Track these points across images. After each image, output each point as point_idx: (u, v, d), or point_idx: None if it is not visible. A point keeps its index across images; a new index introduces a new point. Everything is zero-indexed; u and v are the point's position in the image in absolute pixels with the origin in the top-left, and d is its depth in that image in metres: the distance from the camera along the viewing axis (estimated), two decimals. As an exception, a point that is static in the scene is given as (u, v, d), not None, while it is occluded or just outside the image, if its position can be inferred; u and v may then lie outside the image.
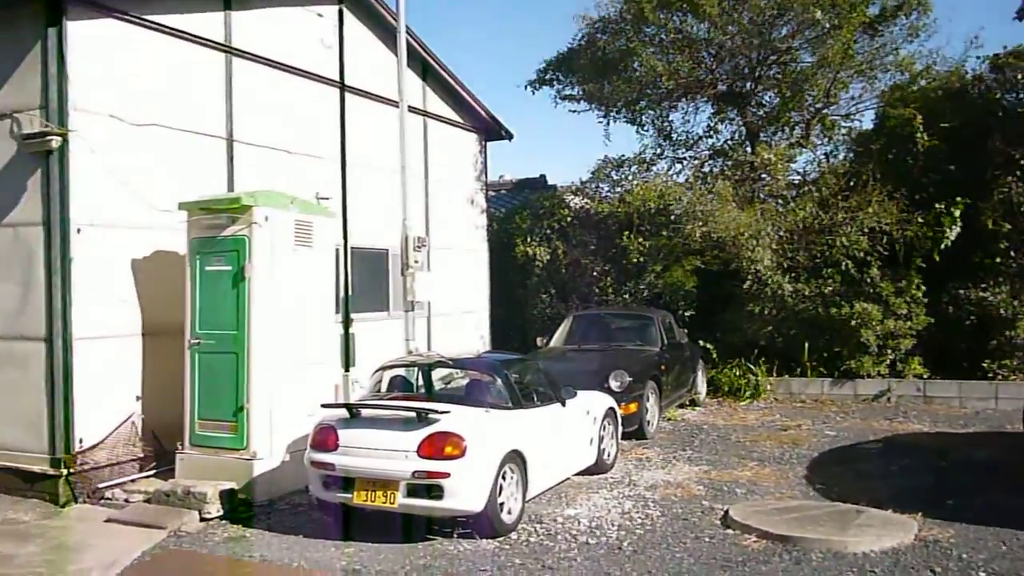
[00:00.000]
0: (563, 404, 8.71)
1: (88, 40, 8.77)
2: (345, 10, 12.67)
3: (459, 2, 53.62)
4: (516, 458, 7.55)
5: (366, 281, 12.83)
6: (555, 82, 18.94)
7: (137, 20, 9.34)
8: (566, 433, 8.80)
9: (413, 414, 7.21)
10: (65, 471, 8.51)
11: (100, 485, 8.75)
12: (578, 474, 9.25)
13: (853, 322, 14.18)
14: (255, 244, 8.51)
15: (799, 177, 17.18)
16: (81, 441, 8.61)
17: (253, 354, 8.47)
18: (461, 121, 15.77)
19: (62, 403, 8.50)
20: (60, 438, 8.52)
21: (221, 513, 8.09)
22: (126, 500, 8.58)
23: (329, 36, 12.32)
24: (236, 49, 10.65)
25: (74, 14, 8.62)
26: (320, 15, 12.13)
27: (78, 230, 8.56)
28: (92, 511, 8.42)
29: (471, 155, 16.32)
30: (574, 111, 19.12)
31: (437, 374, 9.56)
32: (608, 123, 18.66)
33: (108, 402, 8.91)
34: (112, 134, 8.96)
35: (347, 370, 11.40)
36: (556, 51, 19.01)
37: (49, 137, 8.37)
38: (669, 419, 12.90)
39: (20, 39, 8.70)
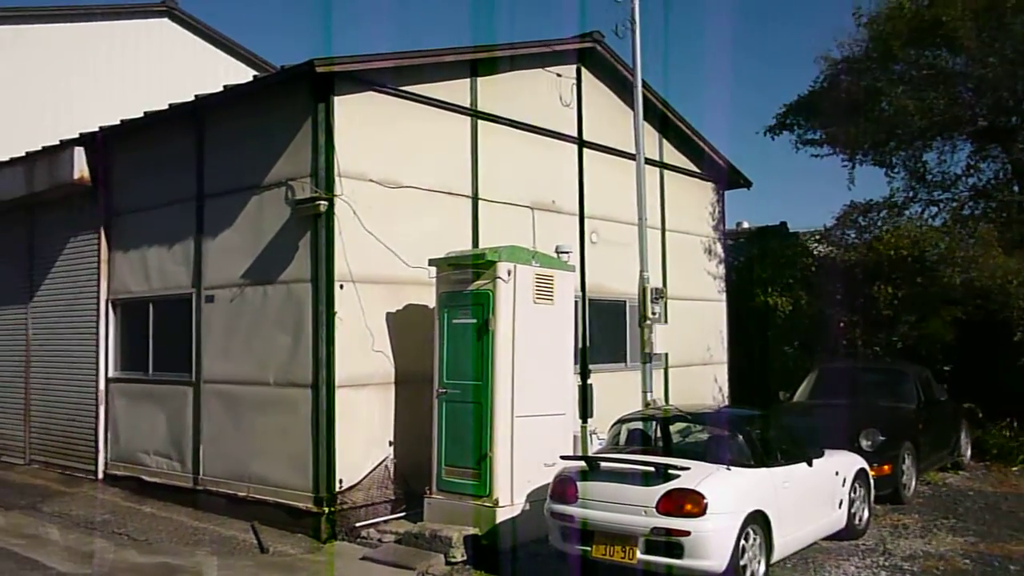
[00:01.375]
0: (809, 463, 8.30)
1: (352, 112, 9.60)
2: (583, 69, 13.03)
3: (694, 52, 53.52)
4: (759, 519, 7.28)
5: (604, 332, 12.96)
6: (795, 127, 18.32)
7: (394, 92, 10.11)
8: (813, 494, 8.36)
9: (652, 469, 7.14)
10: (327, 509, 9.16)
11: (357, 524, 9.33)
12: (826, 539, 8.75)
13: None
14: (499, 298, 8.85)
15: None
16: (341, 482, 9.24)
17: (496, 404, 8.76)
18: (698, 171, 15.67)
19: (325, 446, 9.19)
20: (323, 478, 9.19)
21: (465, 558, 8.37)
22: (379, 540, 9.09)
23: (567, 94, 12.71)
24: (481, 112, 11.25)
25: (340, 89, 9.48)
26: (559, 75, 12.55)
27: (340, 286, 9.30)
28: (349, 548, 8.99)
29: (708, 204, 16.13)
30: (816, 155, 18.37)
31: (676, 428, 9.43)
32: (853, 167, 17.76)
33: (365, 446, 9.53)
34: (371, 197, 9.70)
35: (585, 421, 11.51)
36: (796, 95, 18.44)
37: (318, 202, 9.20)
38: (928, 483, 11.92)
39: (294, 115, 9.68)
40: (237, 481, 10.12)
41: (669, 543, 6.87)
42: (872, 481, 9.53)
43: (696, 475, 7.06)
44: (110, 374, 12.29)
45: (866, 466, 9.49)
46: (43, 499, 11.33)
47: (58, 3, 19.15)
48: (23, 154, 13.38)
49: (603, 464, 7.58)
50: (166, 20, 20.64)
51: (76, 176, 12.16)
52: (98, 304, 12.39)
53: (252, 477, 9.95)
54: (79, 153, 12.20)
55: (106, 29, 19.41)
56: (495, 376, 8.81)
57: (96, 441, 12.30)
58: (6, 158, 13.75)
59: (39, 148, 13.07)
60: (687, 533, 6.78)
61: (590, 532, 7.32)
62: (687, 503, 6.84)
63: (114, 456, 12.11)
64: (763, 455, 7.85)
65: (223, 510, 10.21)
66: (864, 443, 10.40)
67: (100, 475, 12.20)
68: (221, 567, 8.42)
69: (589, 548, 7.29)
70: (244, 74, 19.09)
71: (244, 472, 10.04)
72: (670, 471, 7.07)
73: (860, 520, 9.15)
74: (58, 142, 12.73)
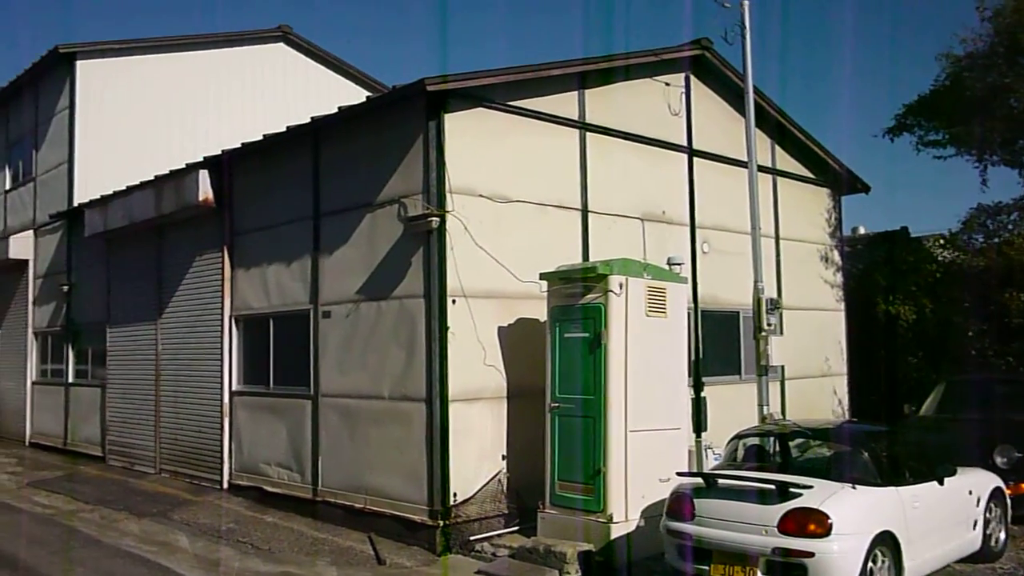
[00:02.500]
0: (940, 482, 7.92)
1: (462, 128, 9.72)
2: (692, 77, 12.85)
3: (806, 54, 52.14)
4: (887, 540, 6.99)
5: (717, 344, 12.71)
6: (916, 127, 17.59)
7: (503, 107, 10.19)
8: (945, 515, 7.97)
9: (773, 487, 6.94)
10: (442, 522, 9.25)
11: (471, 537, 9.39)
12: (960, 562, 8.34)
13: None
14: (611, 311, 8.78)
15: None
16: (455, 495, 9.32)
17: (610, 418, 8.69)
18: (813, 176, 15.23)
19: (439, 459, 9.29)
20: (437, 491, 9.29)
21: (579, 574, 8.30)
22: (493, 554, 9.11)
23: (676, 103, 12.55)
24: (589, 124, 11.21)
25: (450, 107, 9.61)
26: (667, 84, 12.40)
27: (453, 301, 9.40)
28: (464, 562, 9.05)
29: (824, 210, 15.65)
30: (939, 157, 17.60)
31: (794, 444, 9.14)
32: (985, 167, 16.92)
33: (478, 460, 9.59)
34: (481, 212, 9.79)
35: (698, 435, 11.30)
36: (916, 94, 17.72)
37: (430, 218, 9.34)
38: (1072, 503, 11.17)
39: (406, 133, 9.86)
40: (354, 493, 10.33)
41: (791, 564, 6.67)
42: (1008, 500, 9.04)
43: (820, 494, 6.82)
44: (234, 387, 12.76)
45: (1002, 484, 9.02)
46: (172, 507, 11.83)
47: (182, 32, 20.15)
48: (152, 178, 14.08)
49: (721, 481, 7.41)
50: (281, 44, 21.44)
51: (201, 198, 12.72)
52: (222, 320, 12.89)
53: (369, 489, 10.14)
54: (204, 176, 12.76)
55: (226, 56, 20.30)
56: (608, 390, 8.73)
57: (221, 452, 12.79)
58: (137, 182, 14.49)
59: (167, 172, 13.72)
60: (811, 554, 6.56)
61: (708, 551, 7.18)
62: (811, 523, 6.62)
63: (238, 466, 12.55)
64: (890, 473, 7.54)
65: (341, 521, 10.44)
66: (999, 460, 9.90)
67: (225, 485, 12.67)
68: (340, 577, 8.61)
69: (707, 567, 7.15)
70: (356, 94, 19.59)
71: (361, 484, 10.25)
72: (792, 489, 6.85)
73: (996, 542, 8.71)
74: (184, 166, 13.34)
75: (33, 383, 19.36)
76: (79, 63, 18.21)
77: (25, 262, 19.49)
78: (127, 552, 9.61)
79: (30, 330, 19.44)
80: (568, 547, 8.44)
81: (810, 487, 6.88)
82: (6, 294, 20.63)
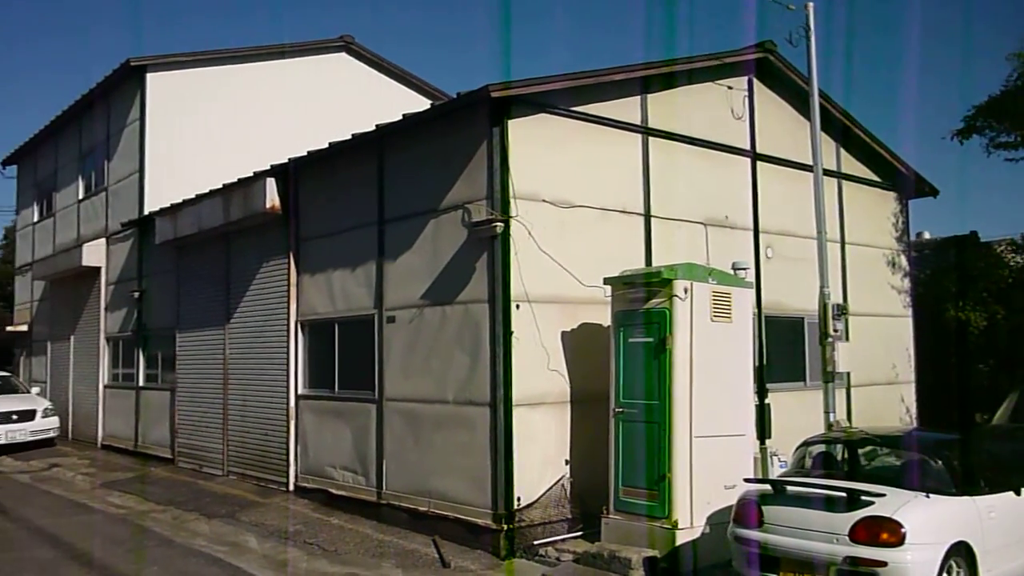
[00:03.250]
0: (1017, 492, 7.69)
1: (525, 134, 9.77)
2: (755, 80, 12.74)
3: (872, 56, 51.23)
4: (962, 551, 6.83)
5: (781, 350, 12.56)
6: (987, 129, 17.18)
7: (565, 112, 10.22)
8: (1022, 525, 7.75)
9: (844, 495, 6.83)
10: (505, 526, 9.28)
11: (534, 542, 9.40)
12: (1040, 575, 8.06)
13: None
14: (676, 316, 8.74)
15: None
16: (519, 499, 9.35)
17: (675, 424, 8.64)
18: (879, 180, 14.97)
19: (503, 463, 9.33)
20: (501, 495, 9.33)
21: (644, 580, 8.27)
22: (557, 559, 9.11)
23: (739, 107, 12.45)
24: (652, 129, 11.19)
25: (514, 113, 9.68)
26: (730, 87, 12.31)
27: (516, 306, 9.45)
28: (528, 566, 9.07)
29: (890, 215, 15.37)
30: (1011, 159, 17.16)
31: (863, 451, 9.00)
32: (1065, 169, 16.46)
33: (541, 465, 9.61)
34: (544, 217, 9.83)
35: (763, 442, 11.18)
36: (986, 95, 17.29)
37: (494, 223, 9.41)
38: None
39: (470, 139, 9.94)
40: (418, 496, 10.43)
41: (862, 574, 6.55)
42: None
43: (892, 502, 6.70)
44: (300, 391, 12.98)
45: (1084, 496, 8.69)
46: (240, 509, 12.08)
47: (245, 45, 20.60)
48: (220, 186, 14.41)
49: (790, 488, 7.33)
50: (343, 54, 21.78)
51: (268, 205, 12.98)
52: (288, 325, 13.12)
53: (432, 493, 10.23)
54: (270, 184, 13.02)
55: (289, 67, 20.70)
56: (672, 395, 8.69)
57: (287, 455, 13.01)
58: (205, 190, 14.85)
59: (234, 180, 14.03)
60: (883, 564, 6.45)
61: (776, 558, 7.10)
62: (883, 532, 6.51)
63: (304, 469, 12.76)
64: (965, 482, 7.35)
65: (405, 524, 10.54)
66: (1077, 470, 9.53)
67: (291, 487, 12.89)
68: (406, 580, 8.70)
69: (775, 575, 7.05)
70: (417, 103, 19.83)
71: (425, 488, 10.34)
72: (864, 497, 6.75)
73: (1077, 555, 8.38)
74: (251, 174, 13.63)
75: (105, 387, 19.93)
76: (149, 75, 18.75)
77: (98, 269, 20.09)
78: (199, 552, 9.83)
79: (102, 335, 20.02)
80: (633, 553, 8.42)
81: (882, 495, 6.76)
82: (80, 301, 21.28)
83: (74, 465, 16.98)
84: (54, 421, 19.88)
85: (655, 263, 10.69)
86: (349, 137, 11.70)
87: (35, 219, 25.53)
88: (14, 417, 19.05)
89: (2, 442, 18.63)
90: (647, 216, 11.04)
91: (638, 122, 11.09)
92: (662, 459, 8.68)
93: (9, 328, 26.99)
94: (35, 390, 21.69)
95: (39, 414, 19.51)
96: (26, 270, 25.78)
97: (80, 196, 22.09)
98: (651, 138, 11.20)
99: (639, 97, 11.14)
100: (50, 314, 23.44)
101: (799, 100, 12.83)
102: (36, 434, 19.25)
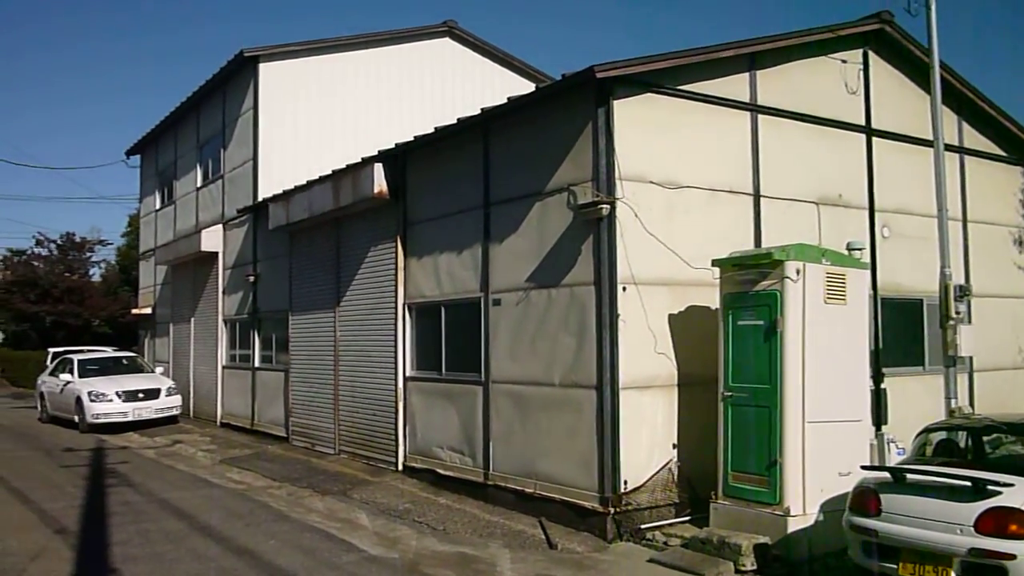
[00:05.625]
0: None
1: (630, 114, 9.65)
2: (870, 52, 12.25)
3: (997, 22, 48.60)
4: (1096, 544, 6.44)
5: (898, 333, 12.11)
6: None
7: (671, 91, 10.04)
8: None
9: (970, 484, 6.55)
10: (612, 510, 9.26)
11: (641, 526, 9.35)
12: None
13: None
14: (787, 298, 8.51)
15: None
16: (626, 483, 9.30)
17: (786, 408, 8.44)
18: (1005, 154, 14.21)
19: (610, 446, 9.30)
20: (608, 478, 9.31)
21: (755, 568, 8.12)
22: (665, 543, 9.04)
23: (853, 81, 11.99)
24: (760, 106, 10.89)
25: (619, 93, 9.56)
26: (843, 61, 11.87)
27: (623, 288, 9.37)
28: (635, 549, 9.03)
29: (1018, 191, 14.57)
30: None
31: (988, 439, 8.58)
32: None
33: (649, 448, 9.54)
34: (651, 198, 9.70)
35: (879, 428, 10.81)
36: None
37: (600, 205, 9.33)
38: None
39: (575, 121, 9.88)
40: (525, 478, 10.50)
41: (989, 566, 6.27)
42: None
43: (1022, 492, 6.38)
44: (407, 373, 13.22)
45: None
46: (352, 487, 12.41)
47: (351, 32, 21.01)
48: (330, 172, 14.75)
49: (910, 476, 7.06)
50: (447, 39, 21.95)
51: (376, 190, 13.22)
52: (396, 307, 13.37)
53: (539, 475, 10.28)
54: (378, 169, 13.26)
55: (395, 53, 21.01)
56: (784, 379, 8.48)
57: (396, 435, 13.29)
58: (316, 176, 15.23)
59: (343, 166, 14.34)
60: (1012, 557, 6.15)
61: (895, 549, 6.85)
62: (1012, 523, 6.20)
63: (412, 449, 13.01)
64: (1099, 472, 6.94)
65: (511, 505, 10.64)
66: None
67: (400, 466, 13.17)
68: (514, 559, 8.77)
69: (895, 566, 6.83)
70: (519, 85, 19.88)
71: (531, 469, 10.40)
72: (990, 487, 6.44)
73: None
74: (359, 159, 13.90)
75: (223, 367, 20.77)
76: (261, 66, 19.33)
77: (215, 254, 20.92)
78: (313, 527, 10.15)
79: (220, 318, 20.85)
80: (743, 539, 8.27)
81: (1011, 485, 6.44)
82: (199, 284, 22.21)
83: (195, 442, 17.78)
84: (177, 399, 20.88)
85: (765, 244, 10.42)
86: (454, 121, 11.79)
87: (157, 206, 26.76)
88: (140, 395, 20.11)
89: (130, 419, 19.69)
90: (756, 196, 10.77)
91: (747, 99, 10.81)
92: (773, 444, 8.49)
93: (134, 311, 28.49)
94: (159, 370, 22.81)
95: (163, 392, 20.53)
96: (149, 255, 27.06)
97: (198, 184, 22.99)
98: (760, 115, 10.90)
99: (748, 74, 10.85)
100: (172, 297, 24.55)
101: (918, 72, 12.28)
102: (161, 412, 20.29)
